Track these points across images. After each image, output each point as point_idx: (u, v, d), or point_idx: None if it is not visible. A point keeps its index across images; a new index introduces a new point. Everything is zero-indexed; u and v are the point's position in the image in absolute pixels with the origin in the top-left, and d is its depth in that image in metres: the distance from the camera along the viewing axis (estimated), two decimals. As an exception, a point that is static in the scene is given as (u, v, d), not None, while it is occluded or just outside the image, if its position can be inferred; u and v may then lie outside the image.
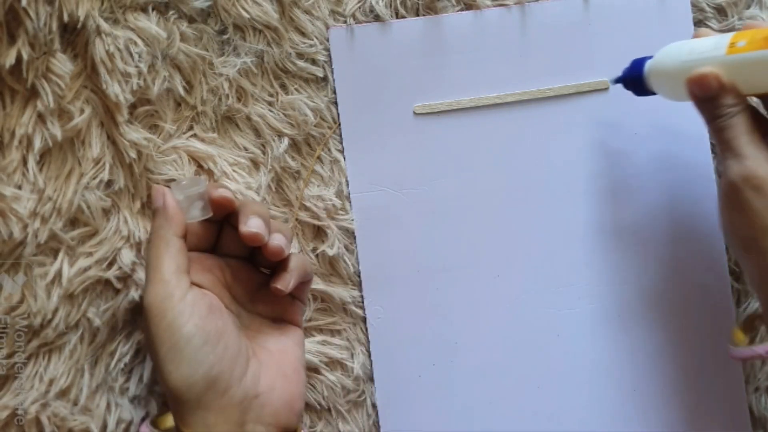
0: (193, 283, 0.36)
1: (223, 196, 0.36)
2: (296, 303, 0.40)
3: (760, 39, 0.35)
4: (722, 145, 0.37)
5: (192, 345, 0.33)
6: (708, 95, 0.36)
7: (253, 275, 0.39)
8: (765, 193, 0.35)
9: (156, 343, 0.33)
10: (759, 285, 0.37)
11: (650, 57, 0.41)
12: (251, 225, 0.36)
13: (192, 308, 0.34)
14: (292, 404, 0.37)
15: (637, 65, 0.41)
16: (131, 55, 0.39)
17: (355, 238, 0.44)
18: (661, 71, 0.40)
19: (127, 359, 0.40)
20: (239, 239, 0.38)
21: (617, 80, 0.43)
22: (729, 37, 0.36)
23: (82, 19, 0.37)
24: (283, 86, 0.43)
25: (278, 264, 0.38)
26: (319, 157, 0.44)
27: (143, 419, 0.40)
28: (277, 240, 0.36)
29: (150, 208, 0.41)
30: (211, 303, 0.35)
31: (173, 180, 0.41)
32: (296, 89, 0.43)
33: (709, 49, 0.37)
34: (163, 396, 0.41)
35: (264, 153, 0.43)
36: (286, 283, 0.37)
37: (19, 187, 0.38)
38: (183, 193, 0.36)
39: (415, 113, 0.44)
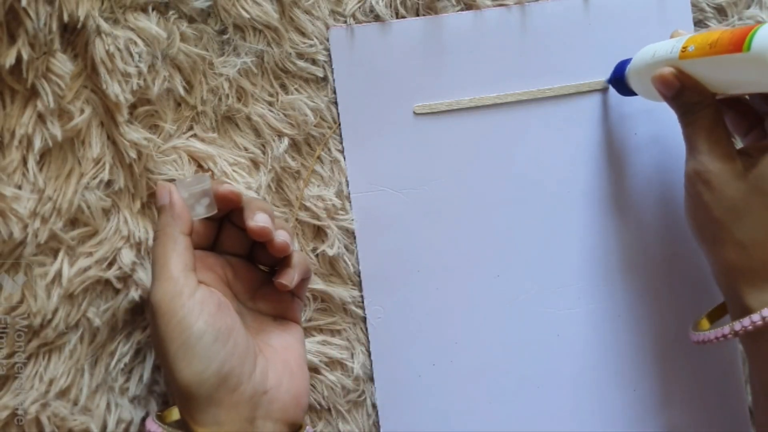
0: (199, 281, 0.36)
1: (232, 191, 0.37)
2: (296, 300, 0.40)
3: (706, 45, 0.35)
4: (685, 140, 0.39)
5: (203, 342, 0.33)
6: (671, 93, 0.38)
7: (253, 273, 0.39)
8: (713, 187, 0.36)
9: (165, 340, 0.34)
10: (716, 274, 0.38)
11: (629, 59, 0.42)
12: (258, 220, 0.36)
13: (201, 306, 0.34)
14: (299, 400, 0.37)
15: (621, 67, 0.43)
16: (131, 55, 0.39)
17: (355, 238, 0.44)
18: (634, 72, 0.41)
19: (127, 359, 0.40)
20: (240, 237, 0.38)
21: (608, 81, 0.44)
22: (683, 40, 0.37)
23: (82, 19, 0.37)
24: (283, 86, 0.43)
25: (281, 261, 0.38)
26: (319, 157, 0.44)
27: (145, 415, 0.40)
28: (282, 236, 0.37)
29: (151, 208, 0.41)
30: (219, 300, 0.36)
31: (173, 180, 0.41)
32: (296, 89, 0.43)
33: (667, 52, 0.38)
34: (164, 395, 0.41)
35: (264, 153, 0.43)
36: (290, 278, 0.37)
37: (19, 187, 0.38)
38: (188, 191, 0.36)
39: (415, 113, 0.44)
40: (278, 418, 0.36)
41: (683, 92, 0.37)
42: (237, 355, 0.35)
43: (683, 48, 0.36)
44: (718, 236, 0.37)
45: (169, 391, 0.41)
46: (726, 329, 0.36)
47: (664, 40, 0.39)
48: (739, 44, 0.33)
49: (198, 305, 0.34)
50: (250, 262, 0.40)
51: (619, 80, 0.43)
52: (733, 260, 0.36)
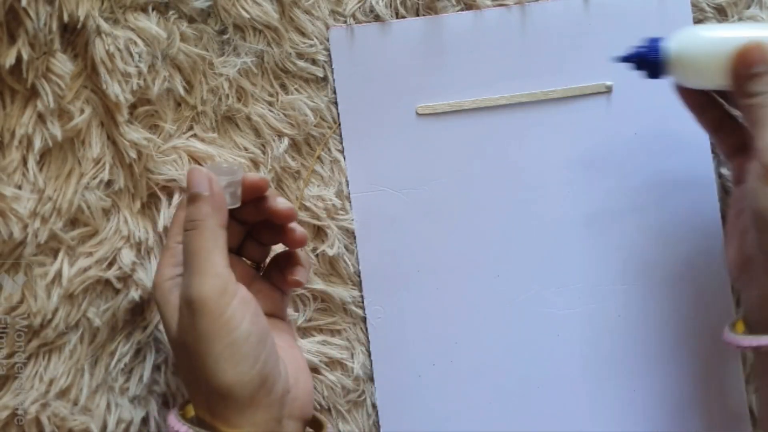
0: None
1: (261, 177, 0.36)
2: (285, 298, 0.40)
3: None
4: (752, 130, 0.34)
5: (250, 343, 0.32)
6: (755, 70, 0.34)
7: (246, 269, 0.39)
8: None
9: (209, 340, 0.32)
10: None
11: (661, 38, 0.39)
12: (283, 202, 0.36)
13: (245, 305, 0.33)
14: (311, 396, 0.38)
15: (654, 46, 0.39)
16: (131, 55, 0.39)
17: (355, 238, 0.44)
18: (691, 52, 0.38)
19: (127, 359, 0.40)
20: (235, 231, 0.38)
21: (626, 58, 0.40)
22: None
23: (82, 19, 0.37)
24: (283, 86, 0.43)
25: (284, 258, 0.39)
26: (319, 157, 0.44)
27: (143, 416, 0.40)
28: (301, 229, 0.37)
29: (151, 208, 0.41)
30: (255, 300, 0.35)
31: (173, 180, 0.41)
32: (296, 89, 0.43)
33: (758, 30, 0.35)
34: (164, 395, 0.41)
35: (264, 153, 0.43)
36: (304, 276, 0.38)
37: (19, 187, 0.38)
38: (224, 180, 0.35)
39: (417, 113, 0.44)
40: (299, 416, 0.36)
41: (766, 73, 0.34)
42: (273, 356, 0.34)
43: None
44: None
45: (196, 392, 0.35)
46: (764, 340, 0.34)
47: (714, 25, 0.37)
48: None
49: (242, 305, 0.33)
50: (241, 258, 0.40)
51: (654, 60, 0.39)
52: None
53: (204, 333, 0.32)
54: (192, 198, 0.34)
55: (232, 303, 0.33)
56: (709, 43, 0.37)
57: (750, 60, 0.34)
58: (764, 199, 0.33)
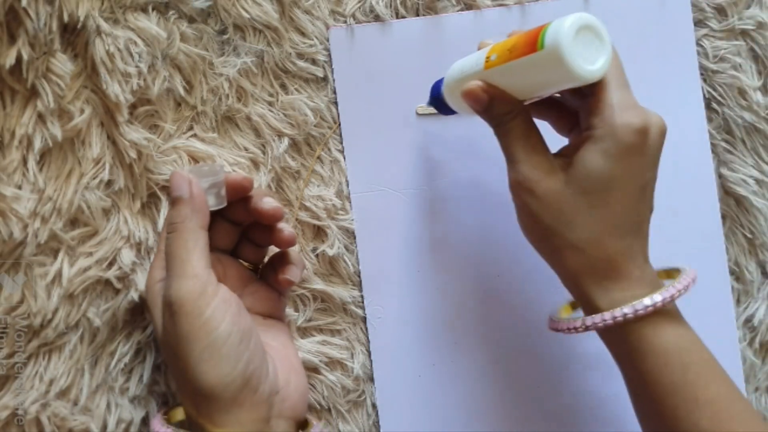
0: None
1: (245, 177, 0.36)
2: (282, 299, 0.40)
3: (506, 51, 0.35)
4: (502, 152, 0.37)
5: (229, 343, 0.33)
6: (480, 107, 0.36)
7: (241, 270, 0.39)
8: (537, 196, 0.35)
9: (189, 341, 0.32)
10: (563, 282, 0.37)
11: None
12: (269, 202, 0.36)
13: (226, 305, 0.33)
14: (304, 397, 0.37)
15: (437, 86, 0.41)
16: (131, 55, 0.39)
17: (355, 238, 0.44)
18: (449, 90, 0.40)
19: (127, 359, 0.40)
20: (228, 231, 0.38)
21: (428, 103, 0.43)
22: (487, 50, 0.36)
23: (82, 19, 0.37)
24: (283, 86, 0.43)
25: (277, 258, 0.39)
26: (319, 157, 0.44)
27: (145, 416, 0.40)
28: (290, 228, 0.37)
29: (151, 208, 0.41)
30: (237, 300, 0.35)
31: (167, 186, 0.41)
32: (296, 89, 0.43)
33: (473, 65, 0.37)
34: (164, 395, 0.41)
35: (264, 153, 0.43)
36: (295, 274, 0.37)
37: (19, 187, 0.38)
38: (205, 181, 0.35)
39: (417, 113, 0.44)
40: (289, 416, 0.36)
41: (492, 104, 0.36)
42: (257, 355, 0.34)
43: (487, 58, 0.36)
44: (554, 244, 0.36)
45: (183, 391, 0.36)
46: (578, 323, 0.36)
47: (470, 54, 0.38)
48: (533, 44, 0.33)
49: (223, 305, 0.33)
50: (237, 260, 0.40)
51: (438, 100, 0.41)
52: (574, 265, 0.35)
53: (184, 334, 0.32)
54: (173, 201, 0.35)
55: (212, 304, 0.33)
56: (456, 80, 0.38)
57: (474, 100, 0.36)
58: (518, 215, 0.37)
